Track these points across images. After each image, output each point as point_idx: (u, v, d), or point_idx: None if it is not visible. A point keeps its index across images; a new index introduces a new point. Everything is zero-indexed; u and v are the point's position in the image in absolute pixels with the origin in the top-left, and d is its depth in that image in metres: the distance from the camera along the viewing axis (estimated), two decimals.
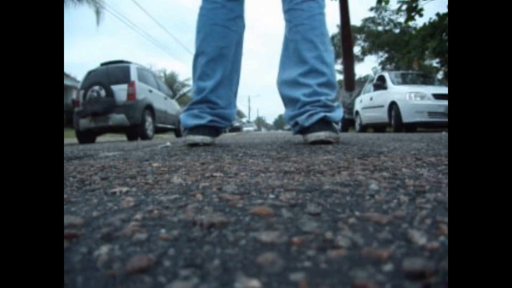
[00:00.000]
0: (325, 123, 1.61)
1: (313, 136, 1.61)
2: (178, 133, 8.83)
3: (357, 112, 9.62)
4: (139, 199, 0.62)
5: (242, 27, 1.79)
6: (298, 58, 1.66)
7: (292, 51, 1.68)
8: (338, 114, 1.70)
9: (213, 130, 1.82)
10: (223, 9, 1.65)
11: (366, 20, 18.19)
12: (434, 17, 10.05)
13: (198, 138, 1.73)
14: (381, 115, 7.90)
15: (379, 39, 17.50)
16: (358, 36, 18.97)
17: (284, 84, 1.76)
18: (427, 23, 10.38)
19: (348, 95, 11.47)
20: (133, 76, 6.81)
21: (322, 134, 1.59)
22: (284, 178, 0.79)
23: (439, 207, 0.50)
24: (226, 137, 4.45)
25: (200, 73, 1.74)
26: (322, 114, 1.60)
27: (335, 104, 1.71)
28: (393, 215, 0.47)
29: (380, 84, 8.17)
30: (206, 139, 1.74)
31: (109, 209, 0.55)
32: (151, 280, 0.30)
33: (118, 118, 6.54)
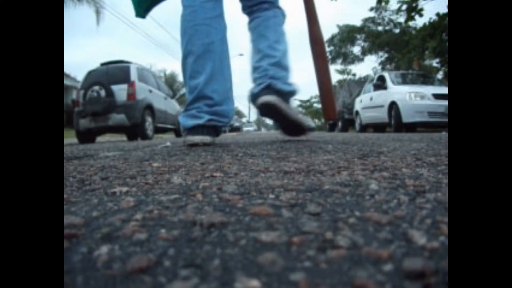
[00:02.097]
0: (271, 91, 1.77)
1: (260, 100, 1.78)
2: (178, 133, 8.82)
3: (357, 112, 9.61)
4: (139, 199, 0.62)
5: (223, 26, 1.83)
6: (255, 50, 1.92)
7: (252, 48, 1.93)
8: (287, 86, 1.84)
9: (212, 129, 1.82)
10: (202, 9, 1.72)
11: (366, 20, 18.17)
12: (434, 17, 10.05)
13: (197, 138, 1.73)
14: (381, 115, 7.90)
15: (379, 39, 17.48)
16: (358, 36, 18.95)
17: (251, 73, 1.96)
18: (427, 23, 10.37)
19: (348, 95, 11.46)
20: (133, 76, 6.81)
21: (267, 98, 1.75)
22: (284, 178, 0.79)
23: (439, 207, 0.50)
24: (226, 137, 4.45)
25: (190, 72, 1.76)
26: (268, 81, 1.78)
27: (289, 81, 1.89)
28: (393, 215, 0.47)
29: (380, 84, 8.17)
30: (206, 139, 1.74)
31: (109, 209, 0.55)
32: (151, 280, 0.30)
33: (118, 118, 6.53)
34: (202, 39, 1.72)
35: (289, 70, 1.90)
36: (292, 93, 1.88)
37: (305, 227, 0.43)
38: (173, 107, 8.72)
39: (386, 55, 18.54)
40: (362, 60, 19.52)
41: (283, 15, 1.97)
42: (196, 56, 1.73)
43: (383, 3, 10.64)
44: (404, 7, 9.78)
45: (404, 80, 8.26)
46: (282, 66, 1.85)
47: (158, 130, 7.97)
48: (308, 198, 0.58)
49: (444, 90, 6.93)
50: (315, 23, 2.03)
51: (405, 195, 0.58)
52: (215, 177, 0.84)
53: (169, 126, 8.46)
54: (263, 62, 1.84)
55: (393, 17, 17.07)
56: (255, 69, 1.89)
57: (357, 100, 9.75)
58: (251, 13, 1.95)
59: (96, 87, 6.57)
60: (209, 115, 1.76)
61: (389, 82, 7.90)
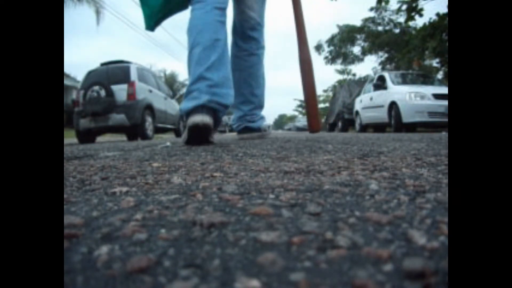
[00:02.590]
0: (247, 129, 2.55)
1: (239, 136, 2.61)
2: (178, 133, 8.82)
3: (357, 112, 9.61)
4: (139, 199, 0.62)
5: (226, 32, 1.96)
6: (238, 92, 2.28)
7: (235, 83, 2.17)
8: (257, 124, 2.56)
9: (211, 111, 1.81)
10: (212, 12, 1.88)
11: (366, 20, 18.14)
12: (434, 17, 10.04)
13: (197, 117, 1.72)
14: (381, 115, 7.90)
15: (379, 39, 17.46)
16: (358, 36, 18.94)
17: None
18: (427, 23, 10.36)
19: (348, 95, 11.46)
20: (133, 76, 6.81)
21: (243, 136, 2.57)
22: (284, 178, 0.79)
23: (439, 207, 0.50)
24: (226, 137, 4.45)
25: (197, 59, 1.83)
26: (244, 125, 2.55)
27: (259, 117, 2.58)
28: (393, 215, 0.47)
29: (380, 84, 8.17)
30: (206, 118, 1.73)
31: (109, 209, 0.55)
32: (151, 280, 0.30)
33: (118, 118, 6.53)
34: (211, 34, 1.84)
35: (263, 105, 2.59)
36: (259, 128, 2.59)
37: (305, 227, 0.43)
38: (173, 107, 8.71)
39: (386, 55, 18.51)
40: (362, 60, 19.50)
41: (264, 53, 2.45)
42: (204, 46, 1.82)
43: (383, 3, 10.64)
44: (404, 7, 9.77)
45: (404, 80, 8.26)
46: (258, 107, 2.55)
47: (158, 130, 7.96)
48: (308, 198, 0.58)
49: (444, 90, 6.93)
50: (305, 45, 2.31)
51: (405, 195, 0.58)
52: (215, 177, 0.84)
53: (169, 126, 8.45)
54: (244, 107, 2.50)
55: (393, 17, 17.05)
56: (237, 108, 2.52)
57: (357, 100, 9.75)
58: (241, 47, 2.35)
59: (96, 87, 6.56)
60: (209, 95, 1.78)
61: (389, 82, 7.90)
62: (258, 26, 2.31)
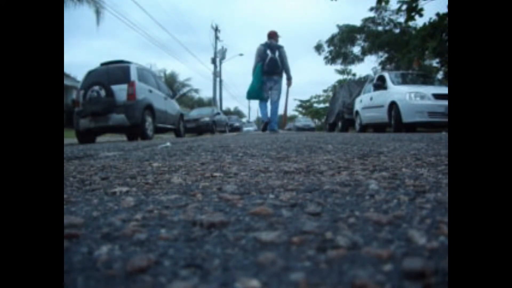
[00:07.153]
0: (272, 130, 6.49)
1: (270, 132, 6.42)
2: (178, 133, 8.83)
3: (357, 112, 9.60)
4: (139, 199, 0.62)
5: (267, 108, 6.62)
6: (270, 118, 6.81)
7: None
8: (274, 129, 6.52)
9: (268, 120, 6.66)
10: (265, 102, 6.48)
11: (366, 20, 18.12)
12: (434, 17, 10.04)
13: (265, 119, 6.61)
14: (381, 115, 7.89)
15: (379, 39, 17.43)
16: (358, 36, 18.92)
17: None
18: (427, 23, 10.36)
19: (348, 95, 11.46)
20: (133, 76, 6.80)
21: (269, 132, 6.41)
22: (284, 178, 0.79)
23: (439, 207, 0.50)
24: (226, 137, 4.45)
25: (262, 116, 6.73)
26: (271, 128, 6.54)
27: (275, 126, 6.60)
28: (393, 215, 0.47)
29: (380, 84, 8.15)
30: (266, 118, 6.62)
31: (109, 209, 0.55)
32: (151, 280, 0.30)
33: (118, 118, 6.52)
34: (264, 110, 6.54)
35: (276, 122, 6.66)
36: (275, 130, 6.50)
37: (305, 227, 0.43)
38: (173, 107, 8.70)
39: (386, 55, 18.48)
40: (362, 60, 19.46)
41: (278, 108, 6.78)
42: (262, 114, 6.61)
43: (383, 3, 10.64)
44: (404, 7, 9.77)
45: (404, 80, 8.25)
46: (275, 123, 6.51)
47: (158, 130, 7.95)
48: (308, 198, 0.58)
49: (444, 90, 6.92)
50: (285, 107, 7.15)
51: (405, 195, 0.58)
52: (215, 177, 0.84)
53: (169, 126, 8.44)
54: (271, 123, 6.49)
55: (393, 17, 17.02)
56: (268, 123, 6.62)
57: (357, 100, 9.73)
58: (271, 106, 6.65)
59: (96, 87, 6.56)
60: (266, 118, 6.51)
61: (389, 82, 7.89)
62: (274, 104, 6.32)
